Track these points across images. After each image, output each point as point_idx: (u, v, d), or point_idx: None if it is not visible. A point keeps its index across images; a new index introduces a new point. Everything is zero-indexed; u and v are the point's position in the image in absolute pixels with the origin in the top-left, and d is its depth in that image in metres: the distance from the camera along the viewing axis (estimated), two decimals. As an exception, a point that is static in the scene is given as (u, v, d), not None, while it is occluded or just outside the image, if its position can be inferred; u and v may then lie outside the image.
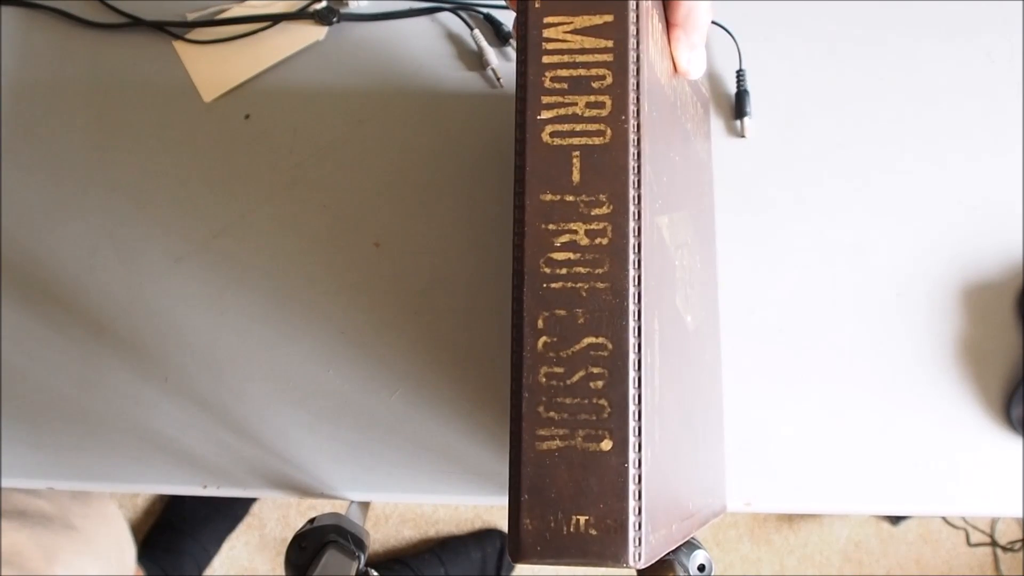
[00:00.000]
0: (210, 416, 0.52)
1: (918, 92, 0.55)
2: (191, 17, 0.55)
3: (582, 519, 0.30)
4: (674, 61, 0.38)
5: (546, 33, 0.33)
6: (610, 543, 0.29)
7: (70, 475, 0.51)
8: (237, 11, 0.55)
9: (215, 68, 0.55)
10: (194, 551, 1.16)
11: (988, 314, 0.52)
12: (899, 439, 0.51)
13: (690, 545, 0.44)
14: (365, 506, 0.54)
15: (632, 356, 0.30)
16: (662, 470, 0.32)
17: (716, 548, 1.26)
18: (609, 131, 0.32)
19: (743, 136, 0.54)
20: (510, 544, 0.30)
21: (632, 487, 0.29)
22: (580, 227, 0.32)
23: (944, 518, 1.24)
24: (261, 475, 0.51)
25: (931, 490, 0.51)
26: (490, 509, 1.25)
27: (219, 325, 0.52)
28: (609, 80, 0.32)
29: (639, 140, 0.31)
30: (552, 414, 0.31)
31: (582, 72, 0.33)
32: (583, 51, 0.33)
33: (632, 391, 0.30)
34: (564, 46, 0.33)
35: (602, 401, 0.30)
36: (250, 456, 0.51)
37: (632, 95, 0.32)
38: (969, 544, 1.22)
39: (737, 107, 0.54)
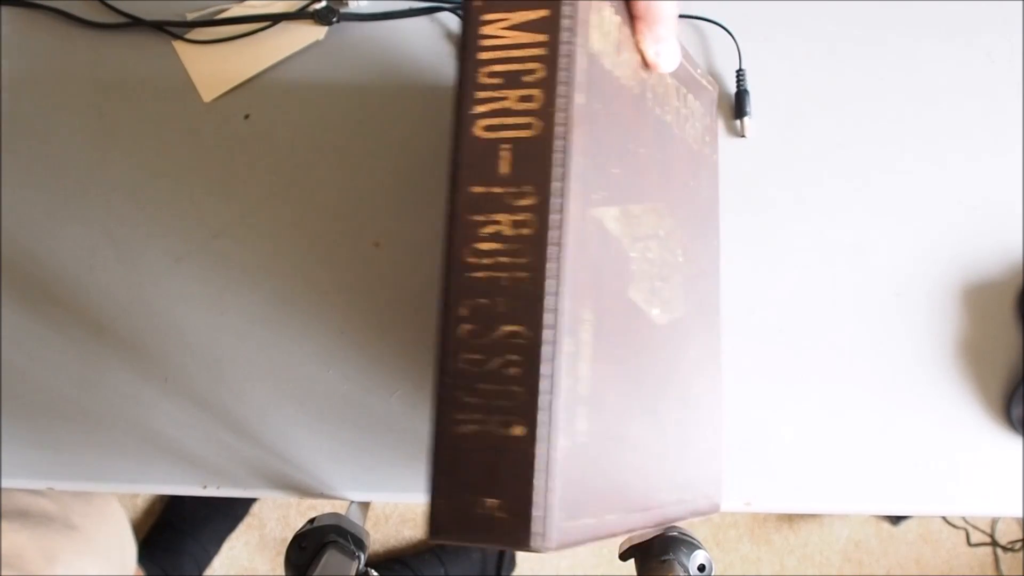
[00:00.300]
0: (210, 416, 0.52)
1: (918, 92, 0.55)
2: (191, 17, 0.55)
3: (491, 502, 0.31)
4: (642, 54, 0.38)
5: (483, 30, 0.34)
6: (515, 527, 0.30)
7: (70, 475, 0.51)
8: (237, 11, 0.55)
9: (215, 68, 0.55)
10: (194, 551, 1.17)
11: (988, 314, 0.52)
12: (899, 439, 0.51)
13: (690, 545, 0.44)
14: (365, 506, 0.54)
15: (547, 345, 0.30)
16: (590, 459, 0.32)
17: (716, 548, 1.26)
18: (538, 124, 0.32)
19: (743, 136, 0.54)
20: (427, 522, 0.31)
21: (540, 473, 0.30)
22: (506, 218, 0.32)
23: (944, 518, 1.24)
24: (261, 475, 0.51)
25: (931, 490, 0.51)
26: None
27: (219, 325, 0.52)
28: (540, 74, 0.33)
29: (568, 132, 0.32)
30: (470, 399, 0.32)
31: (515, 67, 0.33)
32: (517, 46, 0.33)
33: (545, 379, 0.30)
34: (500, 42, 0.34)
35: (516, 388, 0.31)
36: (250, 456, 0.51)
37: (562, 88, 0.32)
38: (969, 544, 1.22)
39: (737, 107, 0.54)
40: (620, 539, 0.45)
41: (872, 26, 0.55)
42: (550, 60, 0.32)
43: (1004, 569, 1.26)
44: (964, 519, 1.21)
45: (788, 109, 0.54)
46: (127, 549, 0.81)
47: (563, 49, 0.32)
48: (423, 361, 0.52)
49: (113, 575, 0.75)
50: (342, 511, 0.50)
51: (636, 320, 0.37)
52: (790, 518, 1.28)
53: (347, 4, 0.55)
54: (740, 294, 0.52)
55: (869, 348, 0.52)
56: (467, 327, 0.32)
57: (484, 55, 0.34)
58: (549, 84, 0.32)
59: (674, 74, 0.43)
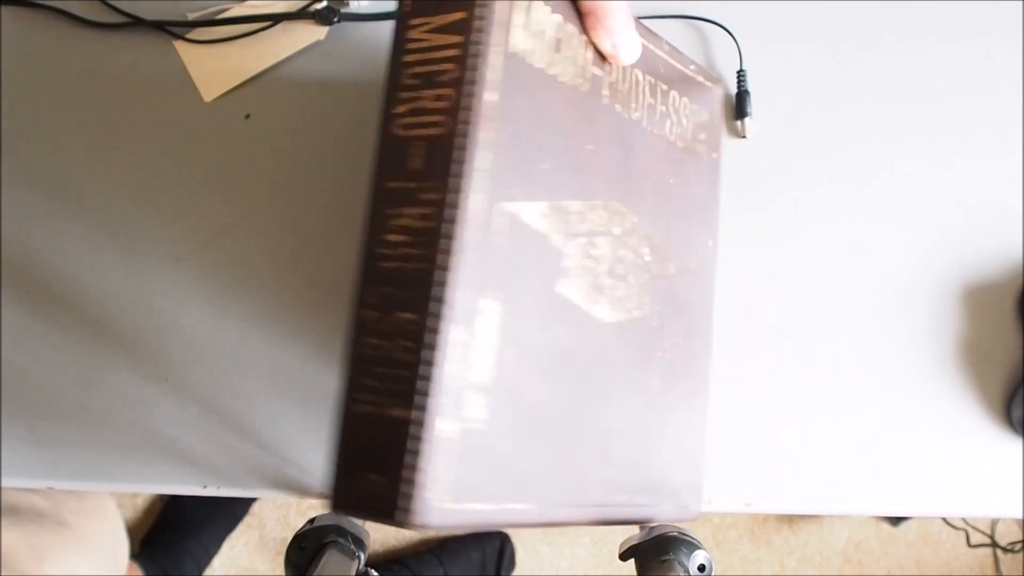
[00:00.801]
0: (210, 416, 0.52)
1: (918, 93, 0.55)
2: (191, 17, 0.55)
3: (376, 479, 0.33)
4: (597, 49, 0.39)
5: (410, 34, 0.36)
6: (394, 504, 0.32)
7: (70, 474, 0.51)
8: (238, 11, 0.55)
9: (215, 68, 0.55)
10: (194, 551, 1.17)
11: (988, 315, 0.52)
12: (899, 440, 0.51)
13: (690, 545, 0.44)
14: (365, 506, 0.54)
15: (431, 332, 0.32)
16: (490, 447, 0.34)
17: (716, 549, 1.26)
18: (448, 122, 0.34)
19: (744, 136, 0.54)
20: (330, 497, 0.33)
21: (413, 454, 0.32)
22: (414, 212, 0.34)
23: (944, 519, 1.24)
24: (261, 475, 0.51)
25: (931, 491, 0.51)
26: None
27: (219, 325, 0.52)
28: (454, 73, 0.34)
29: (473, 130, 0.33)
30: (369, 382, 0.34)
31: (432, 68, 0.35)
32: (436, 48, 0.35)
33: (426, 365, 0.32)
34: (422, 44, 0.35)
35: (405, 372, 0.33)
36: (250, 456, 0.51)
37: (469, 87, 0.33)
38: (969, 545, 1.22)
39: (738, 108, 0.54)
40: (619, 539, 0.45)
41: (872, 27, 0.55)
42: (461, 60, 0.34)
43: (1004, 570, 1.26)
44: (964, 520, 1.21)
45: (789, 110, 0.54)
46: (120, 546, 0.81)
47: (472, 49, 0.33)
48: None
49: (105, 574, 0.75)
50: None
51: (569, 316, 0.38)
52: (790, 519, 1.28)
53: (348, 4, 0.55)
54: (740, 294, 0.52)
55: (869, 349, 0.52)
56: (373, 315, 0.35)
57: (408, 57, 0.36)
58: (459, 83, 0.34)
59: (650, 71, 0.43)
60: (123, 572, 0.81)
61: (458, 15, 0.34)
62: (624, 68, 0.41)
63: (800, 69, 0.55)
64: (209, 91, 0.55)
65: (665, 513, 0.44)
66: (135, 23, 0.55)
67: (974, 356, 0.52)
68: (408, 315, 0.33)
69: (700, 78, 0.47)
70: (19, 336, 0.52)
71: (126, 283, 0.53)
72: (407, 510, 0.32)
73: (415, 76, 0.36)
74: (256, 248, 0.53)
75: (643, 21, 0.54)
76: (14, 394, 0.52)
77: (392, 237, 0.35)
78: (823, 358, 0.52)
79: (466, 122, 0.33)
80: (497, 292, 0.34)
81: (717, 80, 0.49)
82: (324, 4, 0.54)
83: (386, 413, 0.33)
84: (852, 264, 0.53)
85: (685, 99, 0.45)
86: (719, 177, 0.48)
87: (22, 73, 0.55)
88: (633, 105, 0.42)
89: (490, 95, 0.34)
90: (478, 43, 0.34)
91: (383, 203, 0.35)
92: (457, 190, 0.33)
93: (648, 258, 0.43)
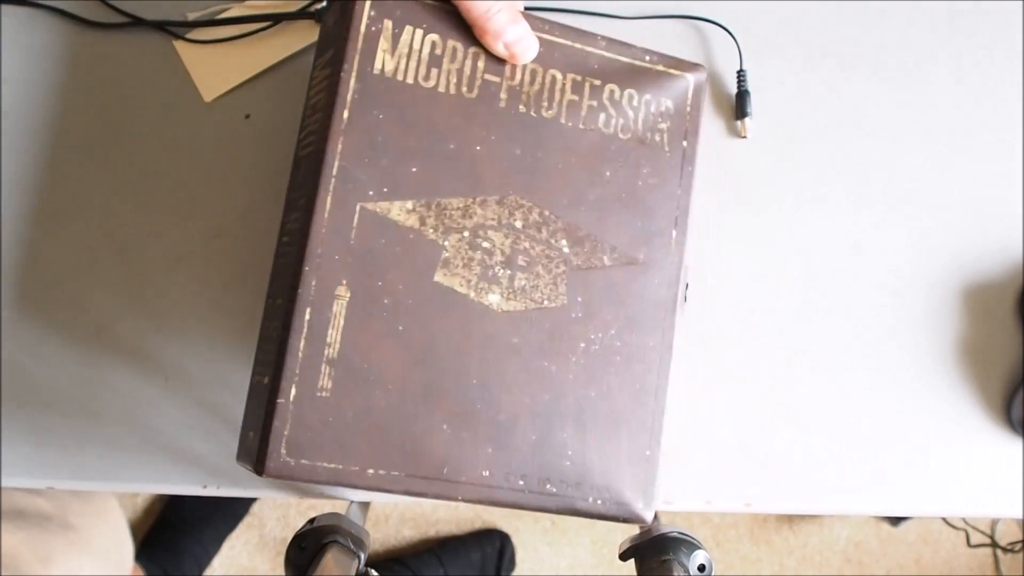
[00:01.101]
0: (210, 416, 0.52)
1: (918, 92, 0.55)
2: (192, 17, 0.55)
3: (252, 436, 0.41)
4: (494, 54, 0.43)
5: (313, 72, 0.46)
6: (255, 457, 0.40)
7: (70, 474, 0.51)
8: (237, 11, 0.55)
9: (215, 68, 0.55)
10: (194, 550, 1.17)
11: (988, 315, 0.52)
12: (899, 440, 0.51)
13: (690, 545, 0.44)
14: (365, 506, 0.54)
15: (292, 316, 0.40)
16: (336, 413, 0.40)
17: (716, 548, 1.26)
18: (319, 140, 0.41)
19: (744, 136, 0.54)
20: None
21: (273, 414, 0.39)
22: (293, 216, 0.43)
23: (944, 519, 1.24)
24: (261, 475, 0.51)
25: (931, 491, 0.51)
26: (490, 509, 1.25)
27: (219, 325, 0.52)
28: (323, 98, 0.42)
29: (329, 144, 0.41)
30: (260, 355, 0.43)
31: (315, 98, 0.44)
32: (319, 81, 0.44)
33: (286, 339, 0.40)
34: (314, 79, 0.45)
35: (272, 347, 0.41)
36: (250, 456, 0.51)
37: (328, 109, 0.41)
38: (969, 545, 1.22)
39: (738, 107, 0.54)
40: (619, 539, 0.45)
41: (872, 27, 0.55)
42: (327, 87, 0.42)
43: (1004, 570, 1.26)
44: (964, 520, 1.21)
45: (789, 110, 0.54)
46: (124, 547, 0.81)
47: (332, 77, 0.42)
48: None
49: (110, 574, 0.75)
50: (342, 511, 0.50)
51: (450, 303, 0.42)
52: (790, 519, 1.28)
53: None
54: (740, 294, 0.52)
55: (869, 349, 0.52)
56: (268, 302, 0.44)
57: (309, 91, 0.45)
58: (325, 107, 0.42)
59: (574, 69, 0.45)
60: (128, 574, 0.81)
61: (330, 52, 0.43)
62: (535, 70, 0.44)
63: (800, 69, 0.55)
64: (209, 91, 0.55)
65: (594, 508, 0.43)
66: (135, 23, 0.55)
67: (974, 356, 0.52)
68: (279, 301, 0.42)
69: (660, 67, 0.46)
70: (19, 336, 0.52)
71: (126, 283, 0.53)
72: (261, 463, 0.39)
73: (310, 106, 0.44)
74: (256, 248, 0.53)
75: (630, 20, 0.54)
76: (14, 394, 0.52)
77: (284, 238, 0.44)
78: (823, 358, 0.52)
79: (324, 138, 0.41)
80: (356, 281, 0.41)
81: (693, 67, 0.47)
82: (323, 4, 0.54)
83: (262, 381, 0.41)
84: (852, 264, 0.53)
85: (631, 91, 0.46)
86: (692, 166, 0.46)
87: (22, 73, 0.55)
88: (545, 104, 0.44)
89: (342, 114, 0.41)
90: (337, 71, 0.41)
91: (284, 211, 0.45)
92: (314, 196, 0.41)
93: (567, 250, 0.44)
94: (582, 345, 0.43)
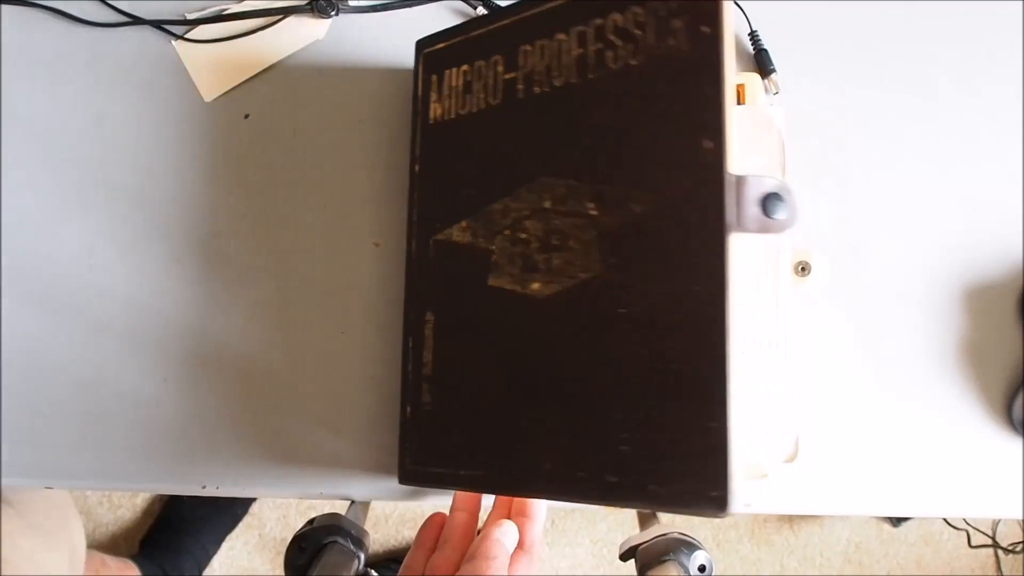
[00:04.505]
0: (210, 416, 0.52)
1: (918, 92, 0.55)
2: (191, 16, 0.55)
3: (400, 453, 0.48)
4: None
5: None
6: (397, 471, 0.48)
7: (69, 474, 0.51)
8: (236, 10, 0.55)
9: (215, 67, 0.55)
10: (193, 550, 1.16)
11: (989, 315, 0.52)
12: (900, 440, 0.51)
13: (690, 546, 0.44)
14: (365, 506, 0.54)
15: (403, 342, 0.48)
16: (437, 424, 0.46)
17: (716, 549, 1.26)
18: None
19: (776, 93, 0.53)
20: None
21: (400, 431, 0.48)
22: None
23: (945, 519, 1.24)
24: (261, 475, 0.51)
25: (932, 491, 0.51)
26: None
27: (219, 325, 0.52)
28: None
29: (409, 197, 0.49)
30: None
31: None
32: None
33: (403, 365, 0.48)
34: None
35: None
36: (250, 456, 0.51)
37: (411, 167, 0.49)
38: (970, 546, 1.22)
39: (761, 67, 0.53)
40: (619, 539, 0.45)
41: (871, 27, 0.55)
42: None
43: (1005, 571, 1.26)
44: (965, 520, 1.21)
45: (787, 111, 0.54)
46: (72, 525, 0.77)
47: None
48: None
49: (58, 553, 0.71)
50: (342, 511, 0.50)
51: (506, 304, 0.43)
52: (791, 519, 1.28)
53: (347, 2, 0.55)
54: (741, 295, 0.52)
55: (870, 349, 0.52)
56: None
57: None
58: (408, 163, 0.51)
59: (579, 17, 0.43)
60: (80, 554, 0.77)
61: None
62: (543, 45, 0.43)
63: (799, 72, 0.55)
64: (209, 91, 0.55)
65: (679, 500, 0.36)
66: (135, 22, 0.55)
67: (975, 356, 0.52)
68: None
69: None
70: (19, 336, 0.52)
71: (126, 283, 0.53)
72: (399, 475, 0.47)
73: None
74: (255, 247, 0.53)
75: None
76: (14, 394, 0.52)
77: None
78: (823, 358, 0.52)
79: (408, 189, 0.49)
80: (434, 304, 0.46)
81: None
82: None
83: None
84: (852, 264, 0.53)
85: (634, 7, 0.41)
86: (718, 52, 0.38)
87: (22, 73, 0.55)
88: (555, 74, 0.43)
89: (415, 169, 0.48)
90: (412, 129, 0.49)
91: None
92: (404, 241, 0.50)
93: (594, 212, 0.41)
94: (622, 311, 0.39)
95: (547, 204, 0.43)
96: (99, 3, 0.55)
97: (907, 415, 0.51)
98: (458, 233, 0.46)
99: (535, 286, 0.42)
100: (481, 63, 0.46)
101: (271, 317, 0.52)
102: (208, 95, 0.55)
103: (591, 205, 0.41)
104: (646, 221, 0.39)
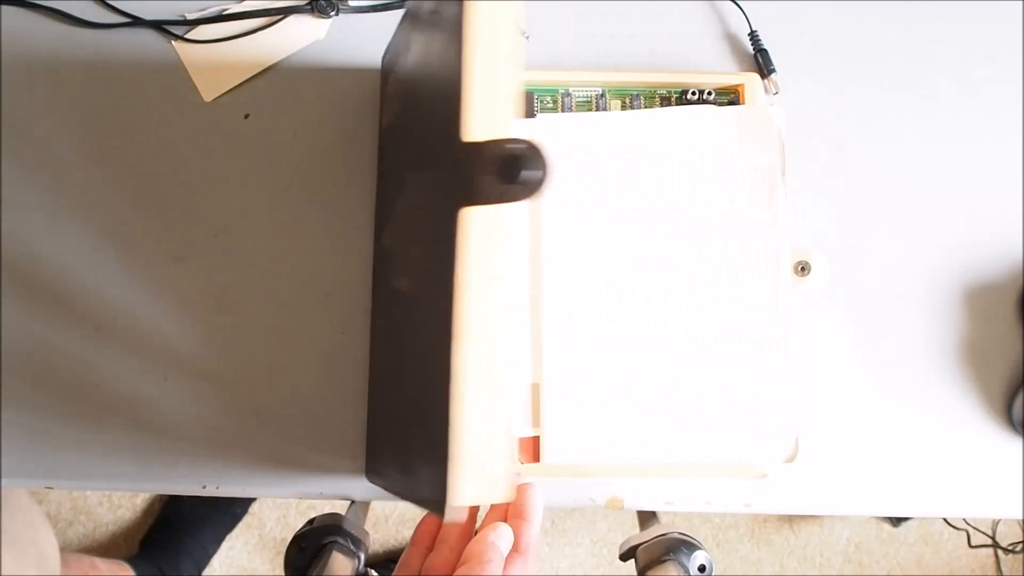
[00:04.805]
0: (210, 416, 0.52)
1: (918, 92, 0.55)
2: (191, 16, 0.55)
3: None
4: None
5: None
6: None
7: (69, 475, 0.51)
8: (236, 10, 0.55)
9: (215, 67, 0.55)
10: (193, 550, 1.16)
11: (989, 315, 0.52)
12: (900, 440, 0.51)
13: (690, 546, 0.44)
14: (365, 506, 0.54)
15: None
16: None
17: (716, 549, 1.26)
18: None
19: (776, 93, 0.53)
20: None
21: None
22: None
23: (945, 519, 1.24)
24: (261, 475, 0.51)
25: (932, 491, 0.51)
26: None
27: (219, 325, 0.52)
28: None
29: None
30: None
31: None
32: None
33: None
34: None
35: None
36: (250, 456, 0.51)
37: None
38: (970, 546, 1.22)
39: (762, 66, 0.53)
40: (619, 539, 0.45)
41: (871, 27, 0.55)
42: None
43: (1005, 570, 1.26)
44: (965, 520, 1.21)
45: (787, 112, 0.54)
46: (43, 540, 0.75)
47: None
48: (423, 361, 0.51)
49: (28, 572, 0.70)
50: (342, 511, 0.50)
51: (394, 301, 0.46)
52: (790, 519, 1.28)
53: (347, 2, 0.55)
54: (741, 295, 0.52)
55: (870, 349, 0.52)
56: None
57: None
58: None
59: None
60: (52, 563, 0.75)
61: None
62: None
63: (798, 73, 0.55)
64: (209, 91, 0.55)
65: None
66: (134, 23, 0.55)
67: (975, 356, 0.52)
68: None
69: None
70: (19, 336, 0.52)
71: (126, 283, 0.53)
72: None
73: None
74: (256, 248, 0.53)
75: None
76: (14, 394, 0.52)
77: None
78: (823, 358, 0.52)
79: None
80: (376, 308, 0.50)
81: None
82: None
83: None
84: (852, 264, 0.53)
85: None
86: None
87: (22, 73, 0.55)
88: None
89: (379, 174, 0.52)
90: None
91: None
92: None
93: (417, 209, 0.46)
94: (411, 300, 0.44)
95: (407, 205, 0.45)
96: (99, 4, 0.55)
97: (907, 415, 0.51)
98: (387, 237, 0.48)
99: (402, 284, 0.45)
100: None
101: (271, 317, 0.52)
102: (208, 95, 0.55)
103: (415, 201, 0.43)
104: (423, 207, 0.39)
